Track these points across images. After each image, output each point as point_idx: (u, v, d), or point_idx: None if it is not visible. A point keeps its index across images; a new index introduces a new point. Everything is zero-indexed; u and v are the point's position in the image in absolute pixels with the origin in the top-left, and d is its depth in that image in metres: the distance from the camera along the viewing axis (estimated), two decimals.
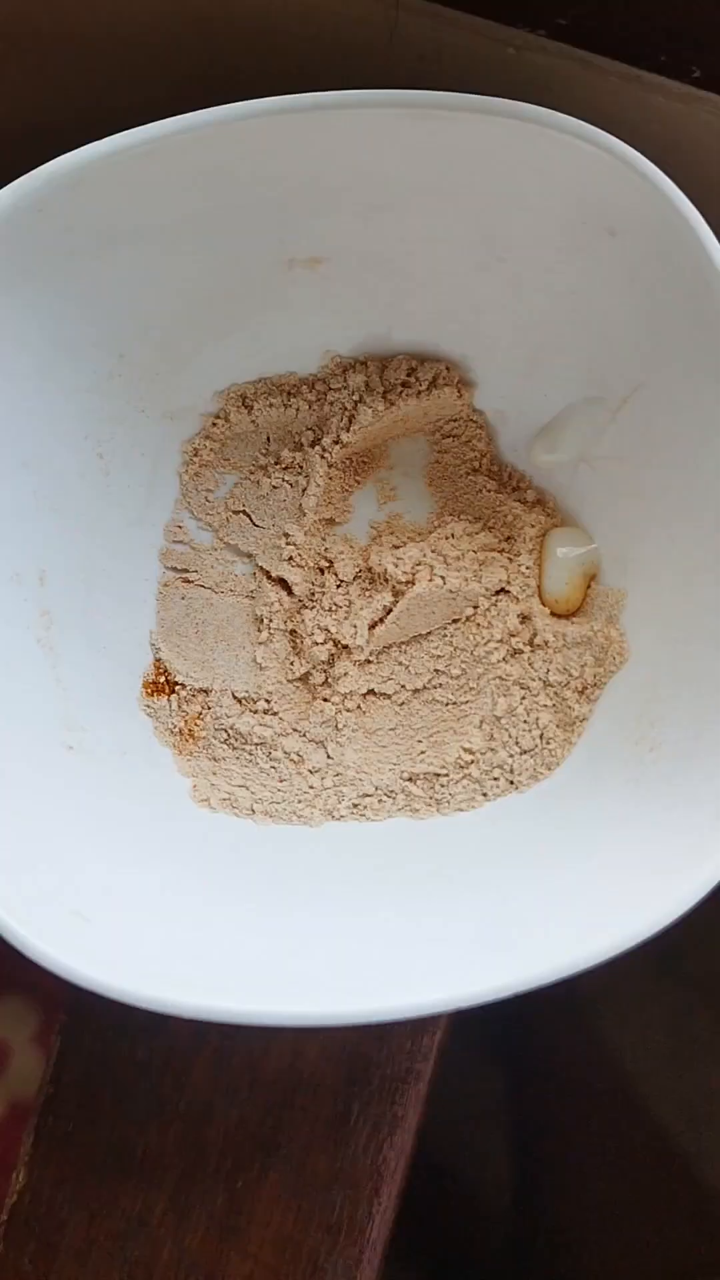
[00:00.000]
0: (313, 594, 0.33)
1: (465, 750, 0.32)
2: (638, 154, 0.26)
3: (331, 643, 0.33)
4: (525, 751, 0.32)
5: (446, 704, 0.33)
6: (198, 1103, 0.34)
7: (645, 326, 0.29)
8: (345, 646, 0.33)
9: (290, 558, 0.33)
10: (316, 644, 0.33)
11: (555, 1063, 0.55)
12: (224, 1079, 0.34)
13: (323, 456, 0.33)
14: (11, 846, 0.27)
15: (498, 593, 0.33)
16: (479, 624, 0.33)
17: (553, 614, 0.33)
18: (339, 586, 0.33)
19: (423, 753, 0.32)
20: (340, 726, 0.33)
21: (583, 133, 0.26)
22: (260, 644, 0.33)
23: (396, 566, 0.33)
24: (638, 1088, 0.52)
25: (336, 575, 0.33)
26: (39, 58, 0.33)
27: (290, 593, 0.33)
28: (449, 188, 0.29)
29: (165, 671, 0.33)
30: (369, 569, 0.33)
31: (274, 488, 0.34)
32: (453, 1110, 0.54)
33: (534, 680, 0.32)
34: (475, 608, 0.33)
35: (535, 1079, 0.56)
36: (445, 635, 0.33)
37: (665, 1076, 0.52)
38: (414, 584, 0.32)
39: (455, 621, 0.33)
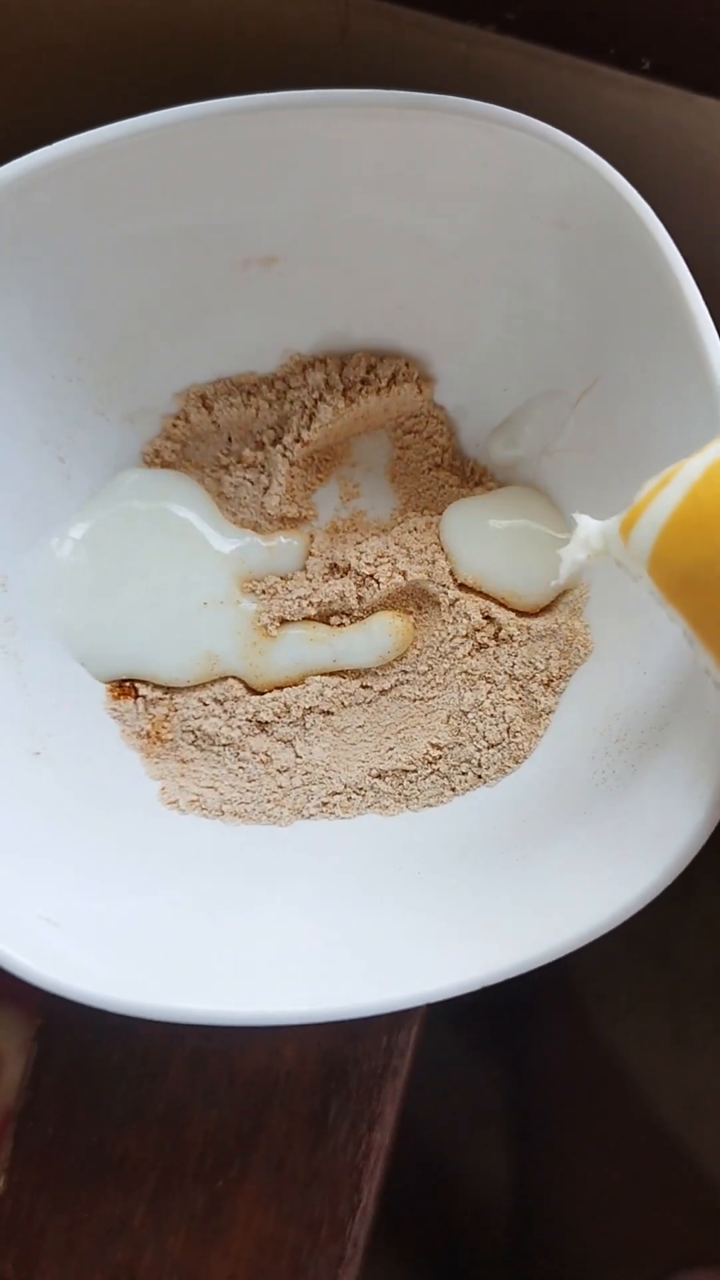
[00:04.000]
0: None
1: (433, 745, 0.32)
2: (584, 147, 0.26)
3: None
4: (492, 745, 0.32)
5: (414, 700, 0.33)
6: (175, 1105, 0.34)
7: (600, 318, 0.29)
8: None
9: None
10: None
11: (552, 1057, 0.55)
12: (201, 1080, 0.34)
13: (284, 455, 0.33)
14: None
15: (462, 586, 0.33)
16: (444, 619, 0.33)
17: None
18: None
19: (391, 749, 0.32)
20: (309, 725, 0.33)
21: (529, 127, 0.26)
22: None
23: (359, 560, 0.33)
24: (636, 1081, 0.52)
25: (306, 572, 0.33)
26: None
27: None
28: (400, 185, 0.29)
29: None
30: (333, 564, 0.33)
31: (236, 486, 0.34)
32: (450, 1105, 0.54)
33: (499, 674, 0.32)
34: (438, 603, 0.33)
35: (532, 1073, 0.56)
36: None
37: (664, 1069, 0.52)
38: (376, 578, 0.32)
39: None
